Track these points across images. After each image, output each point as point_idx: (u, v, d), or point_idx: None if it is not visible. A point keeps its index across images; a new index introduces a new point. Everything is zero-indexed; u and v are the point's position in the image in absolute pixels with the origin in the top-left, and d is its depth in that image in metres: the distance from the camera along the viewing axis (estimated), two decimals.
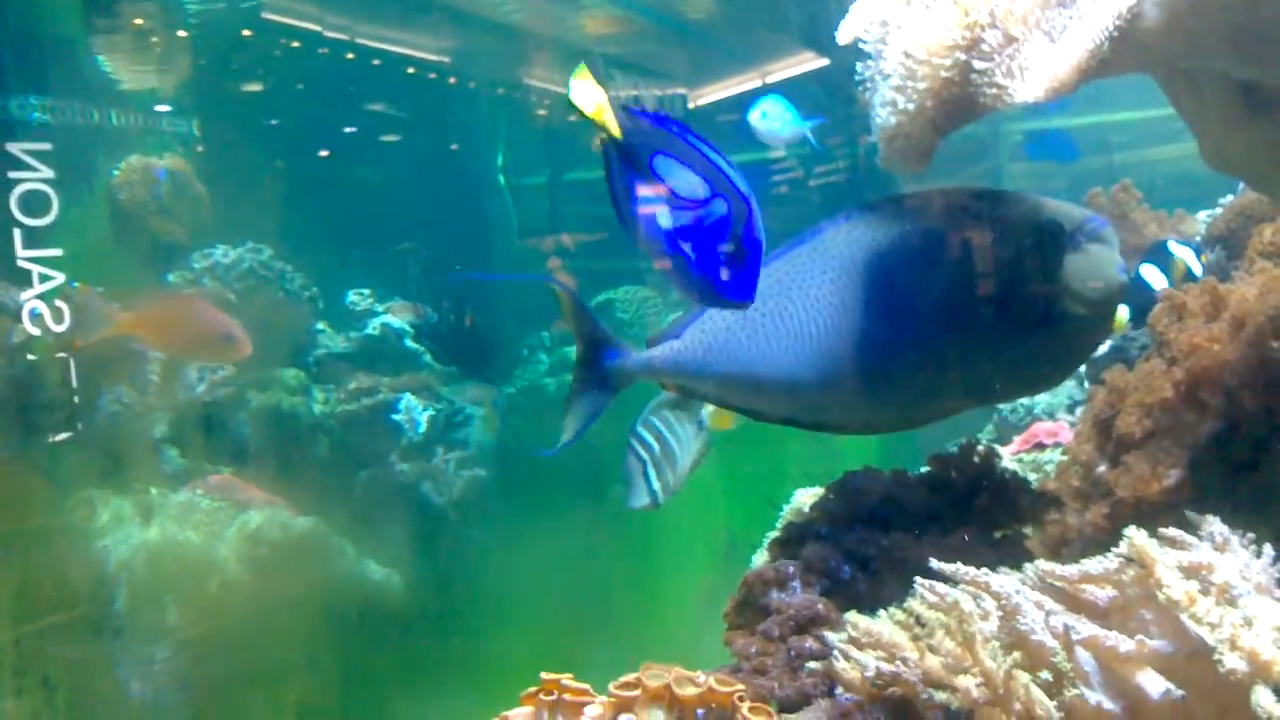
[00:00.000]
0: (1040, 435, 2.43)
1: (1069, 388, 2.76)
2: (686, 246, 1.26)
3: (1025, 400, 2.88)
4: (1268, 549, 1.01)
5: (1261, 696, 0.84)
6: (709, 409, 2.13)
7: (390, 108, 5.12)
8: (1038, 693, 0.97)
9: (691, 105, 4.68)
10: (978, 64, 1.14)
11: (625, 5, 4.50)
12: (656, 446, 2.05)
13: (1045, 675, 1.00)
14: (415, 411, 4.29)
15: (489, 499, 4.34)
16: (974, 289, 1.44)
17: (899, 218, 1.50)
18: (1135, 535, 0.93)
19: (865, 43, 1.31)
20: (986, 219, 1.45)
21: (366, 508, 3.90)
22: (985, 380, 1.50)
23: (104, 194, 3.63)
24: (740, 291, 1.24)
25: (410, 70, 4.90)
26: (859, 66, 1.32)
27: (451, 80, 5.11)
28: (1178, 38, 1.10)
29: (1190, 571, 0.93)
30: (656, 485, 2.04)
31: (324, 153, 4.99)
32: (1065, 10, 1.12)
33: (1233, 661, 0.82)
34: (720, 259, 1.24)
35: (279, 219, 4.20)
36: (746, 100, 3.43)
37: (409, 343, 4.62)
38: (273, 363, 3.94)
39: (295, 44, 4.48)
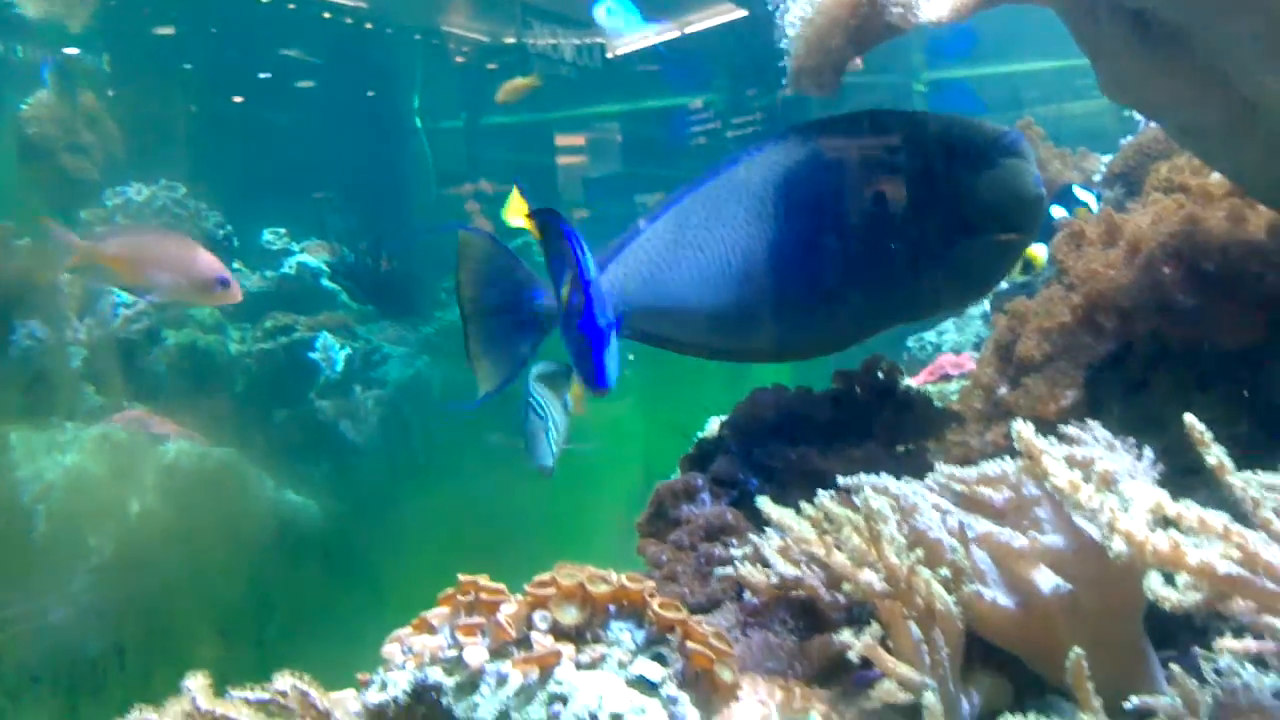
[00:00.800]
0: (946, 366, 2.48)
1: (977, 326, 2.82)
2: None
3: (933, 338, 2.93)
4: (1148, 450, 1.06)
5: (1153, 580, 0.88)
6: (572, 394, 2.13)
7: (305, 52, 5.05)
8: (938, 588, 1.01)
9: (610, 55, 4.66)
10: None
11: None
12: (548, 414, 2.04)
13: (944, 573, 1.04)
14: (332, 350, 4.26)
15: (407, 435, 4.35)
16: (890, 209, 1.47)
17: (813, 144, 1.52)
18: (1023, 429, 0.96)
19: None
20: (900, 139, 1.47)
21: (284, 443, 3.89)
22: (906, 299, 1.54)
23: (11, 128, 3.55)
24: (593, 377, 1.28)
25: (326, 15, 4.83)
26: None
27: (368, 25, 5.05)
28: None
29: (1077, 465, 0.97)
30: (555, 449, 2.04)
31: (238, 98, 4.92)
32: None
33: (1117, 545, 0.86)
34: (576, 345, 1.28)
35: (193, 158, 4.14)
36: (661, 48, 3.41)
37: (325, 282, 4.58)
38: None
39: None
